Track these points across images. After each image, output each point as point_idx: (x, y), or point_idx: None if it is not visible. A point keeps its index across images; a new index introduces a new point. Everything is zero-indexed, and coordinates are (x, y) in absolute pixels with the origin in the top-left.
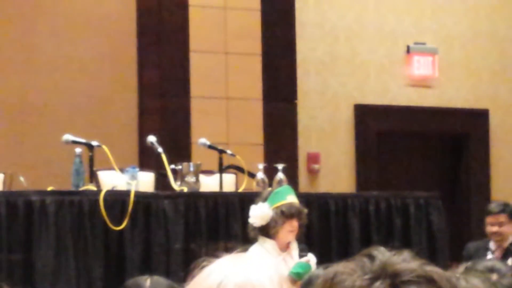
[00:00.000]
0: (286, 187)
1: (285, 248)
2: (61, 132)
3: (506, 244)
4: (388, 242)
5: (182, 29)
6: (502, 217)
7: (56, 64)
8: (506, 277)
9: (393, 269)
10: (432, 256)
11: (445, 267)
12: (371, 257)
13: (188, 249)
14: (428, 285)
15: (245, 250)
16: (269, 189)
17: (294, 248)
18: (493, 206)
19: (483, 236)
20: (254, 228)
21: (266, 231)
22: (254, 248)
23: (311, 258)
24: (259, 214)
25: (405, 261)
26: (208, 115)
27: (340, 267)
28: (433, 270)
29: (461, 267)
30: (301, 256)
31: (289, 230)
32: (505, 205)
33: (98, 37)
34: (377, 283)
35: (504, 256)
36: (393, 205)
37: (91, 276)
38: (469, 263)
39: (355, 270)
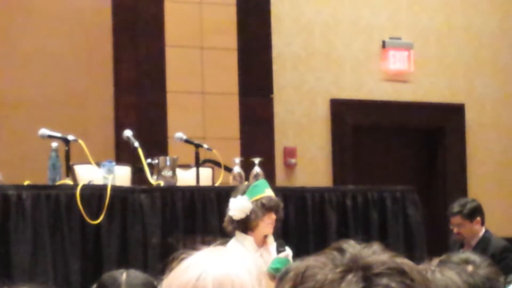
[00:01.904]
0: (262, 181)
1: (261, 243)
2: (37, 126)
3: (473, 243)
4: (365, 235)
5: (157, 24)
6: (458, 219)
7: (32, 59)
8: (482, 268)
9: (364, 261)
10: (409, 249)
11: (423, 260)
12: (341, 250)
13: (165, 243)
14: (400, 276)
15: (223, 243)
16: (246, 183)
17: (271, 242)
18: (451, 207)
19: None
20: (233, 221)
21: (245, 224)
22: (232, 244)
23: (289, 253)
24: (239, 206)
25: (375, 254)
26: (184, 110)
27: (310, 261)
28: (404, 262)
29: (436, 260)
30: (279, 251)
31: (268, 223)
32: (463, 205)
33: (74, 32)
34: (349, 276)
35: None
36: (369, 198)
37: (68, 270)
38: (443, 256)
39: (326, 263)
